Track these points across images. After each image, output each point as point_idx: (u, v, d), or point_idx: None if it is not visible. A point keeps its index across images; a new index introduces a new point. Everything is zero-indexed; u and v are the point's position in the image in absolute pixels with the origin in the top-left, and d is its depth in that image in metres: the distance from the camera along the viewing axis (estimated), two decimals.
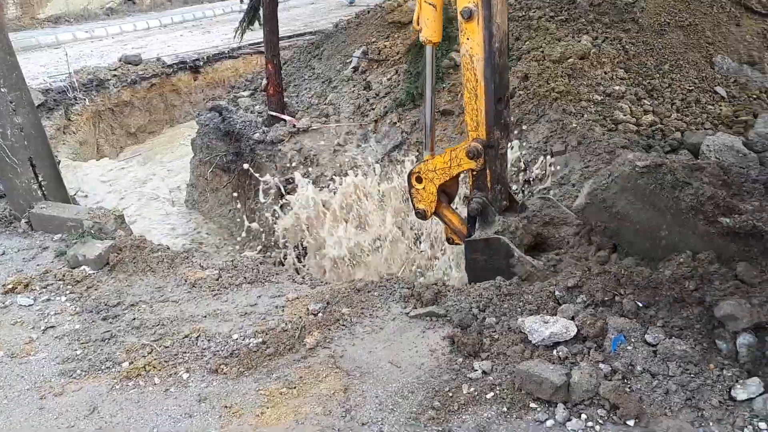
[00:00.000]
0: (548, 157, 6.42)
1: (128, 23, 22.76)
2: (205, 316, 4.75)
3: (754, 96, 7.01)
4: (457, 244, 5.65)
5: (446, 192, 5.43)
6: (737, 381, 3.22)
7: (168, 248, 5.78)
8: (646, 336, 3.58)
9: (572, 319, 3.82)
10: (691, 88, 7.04)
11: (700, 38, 7.40)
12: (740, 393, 3.16)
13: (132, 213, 11.03)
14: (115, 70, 15.80)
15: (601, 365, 3.51)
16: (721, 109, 6.80)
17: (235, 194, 9.65)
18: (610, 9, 7.70)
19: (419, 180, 5.35)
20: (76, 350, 4.43)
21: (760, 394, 3.12)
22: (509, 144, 5.55)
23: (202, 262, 5.45)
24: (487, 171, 4.93)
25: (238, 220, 9.91)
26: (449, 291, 4.54)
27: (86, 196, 11.56)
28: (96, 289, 5.23)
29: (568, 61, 7.23)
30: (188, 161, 11.83)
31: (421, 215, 5.51)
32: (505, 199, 5.19)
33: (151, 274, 5.36)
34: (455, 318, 4.19)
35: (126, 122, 15.89)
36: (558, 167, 6.28)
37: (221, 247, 9.36)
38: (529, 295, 4.14)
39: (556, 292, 4.04)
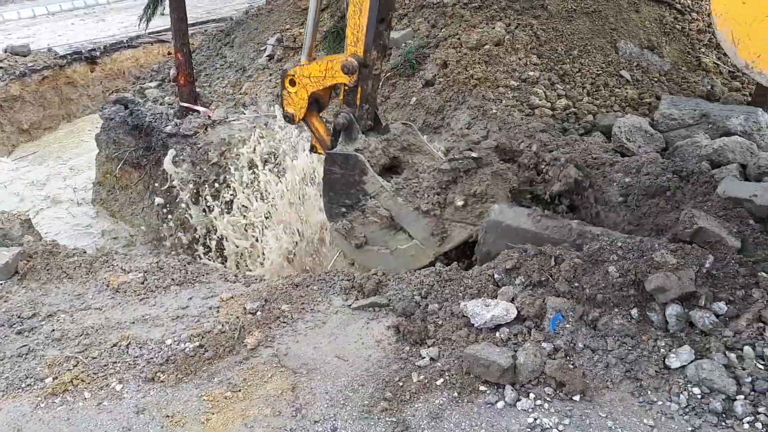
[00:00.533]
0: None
1: (11, 11, 20.98)
2: (134, 323, 4.47)
3: (655, 79, 7.44)
4: (319, 153, 5.82)
5: (318, 101, 5.55)
6: (670, 350, 3.42)
7: (84, 252, 5.39)
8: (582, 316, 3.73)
9: (512, 301, 3.92)
10: (599, 73, 7.38)
11: (604, 24, 7.76)
12: (674, 362, 3.35)
13: (33, 217, 10.24)
14: (0, 61, 14.54)
15: (544, 344, 3.61)
16: (627, 92, 7.17)
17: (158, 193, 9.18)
18: None
19: (293, 83, 5.41)
20: None
21: (692, 361, 3.32)
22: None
23: (123, 265, 5.12)
24: (359, 88, 5.14)
25: (153, 218, 9.45)
26: (390, 280, 4.51)
27: None
28: (5, 301, 4.79)
29: (485, 47, 7.37)
30: (91, 158, 11.11)
31: (289, 119, 5.62)
32: (371, 119, 5.43)
33: (68, 281, 4.98)
34: (398, 307, 4.18)
35: (17, 118, 14.66)
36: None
37: (138, 248, 8.88)
38: (468, 279, 4.20)
39: (495, 275, 4.12)
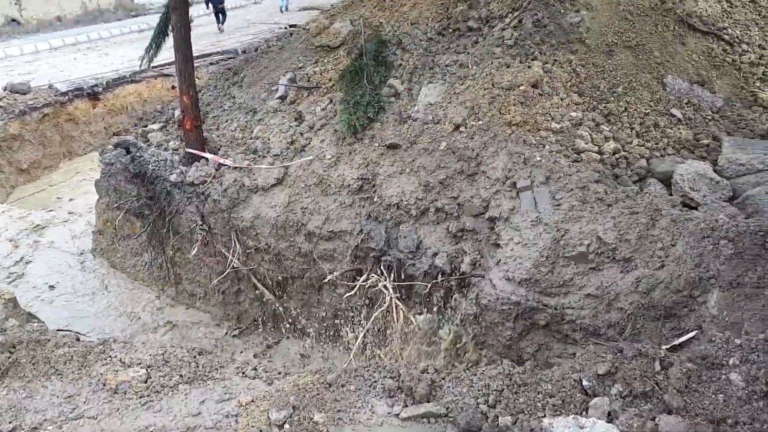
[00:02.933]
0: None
1: (13, 46, 20.38)
2: None
3: (709, 117, 6.69)
4: None
5: None
6: None
7: (78, 339, 4.56)
8: None
9: (610, 419, 3.08)
10: (647, 111, 6.63)
11: (649, 58, 7.02)
12: None
13: (27, 267, 9.43)
14: None
15: None
16: (681, 133, 6.41)
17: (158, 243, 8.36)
18: (556, 29, 7.20)
19: None
20: None
21: None
22: None
23: (122, 356, 4.28)
24: None
25: (157, 272, 8.63)
26: (444, 380, 3.68)
27: None
28: None
29: (520, 88, 6.64)
30: (91, 201, 10.33)
31: None
32: None
33: (57, 379, 4.14)
34: (461, 419, 3.33)
35: (15, 158, 13.89)
36: (524, 206, 5.61)
37: (140, 311, 8.05)
38: (548, 384, 3.36)
39: (584, 381, 3.29)
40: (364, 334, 5.91)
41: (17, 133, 13.90)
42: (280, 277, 7.34)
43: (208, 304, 8.34)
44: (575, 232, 5.26)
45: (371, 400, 3.67)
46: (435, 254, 6.25)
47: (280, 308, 7.42)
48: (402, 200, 6.47)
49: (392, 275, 6.28)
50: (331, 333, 7.06)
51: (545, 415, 3.20)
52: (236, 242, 7.37)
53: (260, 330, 7.75)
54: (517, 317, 5.57)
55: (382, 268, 6.42)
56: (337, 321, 6.96)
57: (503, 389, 3.42)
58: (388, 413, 3.56)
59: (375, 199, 6.67)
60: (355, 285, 6.37)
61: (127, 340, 4.46)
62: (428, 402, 3.53)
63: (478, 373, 3.60)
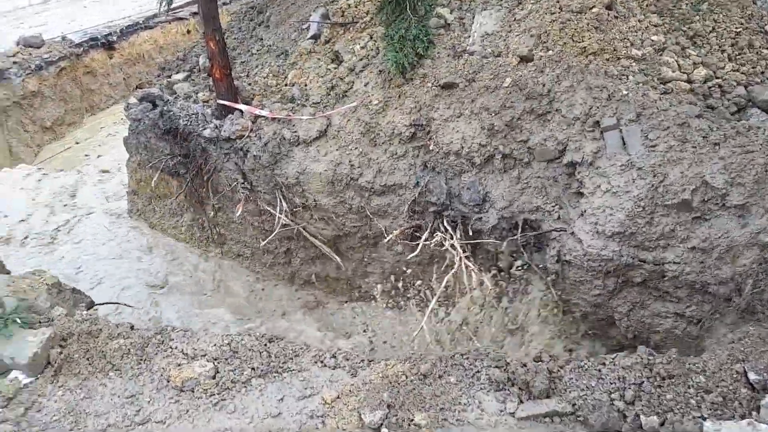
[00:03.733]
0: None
1: None
2: None
3: None
4: None
5: None
6: None
7: (132, 328, 4.08)
8: None
9: None
10: (738, 30, 5.74)
11: None
12: None
13: (65, 234, 9.02)
14: (14, 56, 13.11)
15: None
16: None
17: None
18: None
19: None
20: None
21: None
22: None
23: (184, 347, 3.80)
24: None
25: (199, 233, 8.15)
26: (564, 370, 3.13)
27: (6, 216, 9.43)
28: (38, 411, 3.53)
29: (592, 10, 5.77)
30: (121, 157, 9.77)
31: None
32: None
33: (115, 376, 3.69)
34: (594, 420, 2.80)
35: (38, 116, 13.32)
36: (611, 148, 4.89)
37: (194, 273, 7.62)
38: (701, 377, 2.79)
39: (750, 374, 2.70)
40: (436, 299, 5.37)
41: (36, 89, 13.27)
42: (331, 236, 6.78)
43: (256, 265, 7.88)
44: (676, 176, 4.55)
45: (477, 395, 3.15)
46: (504, 207, 5.61)
47: (339, 267, 6.89)
48: (462, 147, 5.76)
49: (458, 232, 5.67)
50: (393, 296, 6.55)
51: (703, 417, 2.65)
52: (282, 200, 6.78)
53: (315, 293, 7.29)
54: (608, 274, 4.97)
55: (444, 224, 5.81)
56: (397, 283, 6.43)
57: (643, 382, 2.85)
58: (500, 411, 3.04)
59: (431, 148, 5.96)
60: (417, 244, 5.79)
61: (186, 328, 3.97)
62: (548, 398, 2.99)
63: (607, 363, 3.03)
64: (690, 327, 4.93)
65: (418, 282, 6.27)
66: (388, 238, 5.95)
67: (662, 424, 2.70)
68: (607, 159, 4.92)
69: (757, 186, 4.30)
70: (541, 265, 5.52)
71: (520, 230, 5.56)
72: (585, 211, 4.99)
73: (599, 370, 2.98)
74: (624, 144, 4.88)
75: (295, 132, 6.58)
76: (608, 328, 5.51)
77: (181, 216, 8.25)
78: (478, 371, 3.26)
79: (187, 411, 3.37)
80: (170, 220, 8.50)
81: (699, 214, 4.51)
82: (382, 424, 3.03)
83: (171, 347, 3.79)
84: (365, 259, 6.77)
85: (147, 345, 3.81)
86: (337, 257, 6.90)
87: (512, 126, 5.56)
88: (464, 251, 5.57)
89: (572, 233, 5.16)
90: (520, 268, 5.51)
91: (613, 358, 3.01)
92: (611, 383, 2.90)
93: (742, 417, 2.56)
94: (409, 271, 6.38)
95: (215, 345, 3.71)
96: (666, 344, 5.17)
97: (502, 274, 5.68)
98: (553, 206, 5.38)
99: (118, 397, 3.52)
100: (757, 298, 4.30)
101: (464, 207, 5.77)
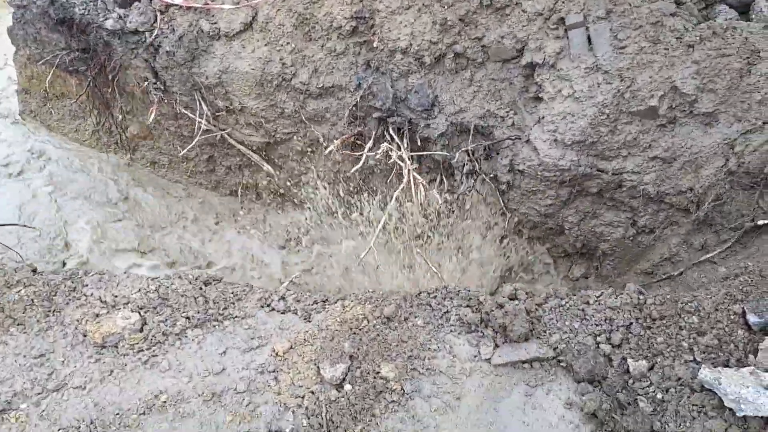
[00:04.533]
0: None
1: None
2: (143, 413, 2.72)
3: None
4: None
5: None
6: None
7: (35, 272, 3.40)
8: None
9: None
10: None
11: None
12: None
13: None
14: None
15: None
16: None
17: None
18: None
19: None
20: None
21: None
22: None
23: (102, 293, 3.20)
24: None
25: (106, 138, 7.17)
26: (542, 309, 2.82)
27: None
28: None
29: None
30: (8, 51, 8.33)
31: None
32: None
33: (18, 332, 3.07)
34: (579, 366, 2.54)
35: None
36: (575, 49, 4.40)
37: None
38: (694, 317, 2.54)
39: (750, 316, 2.47)
40: (385, 217, 4.93)
41: None
42: (261, 143, 6.08)
43: (174, 173, 7.10)
44: (644, 81, 4.16)
45: (448, 339, 2.81)
46: (455, 112, 5.09)
47: (270, 176, 6.27)
48: (411, 44, 5.07)
49: (405, 141, 5.15)
50: (331, 208, 6.05)
51: (695, 360, 2.42)
52: (201, 103, 5.93)
53: (242, 202, 6.68)
54: (563, 184, 4.68)
55: (390, 131, 5.26)
56: (337, 192, 5.91)
57: (631, 323, 2.59)
58: (474, 356, 2.73)
59: (375, 44, 5.24)
60: (360, 155, 5.24)
61: (102, 271, 3.34)
62: (526, 341, 2.69)
63: (591, 302, 2.73)
64: (642, 236, 4.80)
65: (362, 194, 5.80)
66: (328, 150, 5.34)
67: (651, 369, 2.47)
68: (570, 60, 4.44)
69: (729, 93, 3.99)
70: (491, 174, 5.15)
71: (470, 138, 5.11)
72: (543, 117, 4.57)
73: (583, 310, 2.70)
74: (590, 44, 4.39)
75: (215, 24, 5.61)
76: (556, 236, 5.34)
77: (84, 119, 7.19)
78: (447, 311, 2.91)
79: (111, 372, 2.86)
80: (71, 123, 7.40)
81: (664, 122, 4.20)
82: (344, 379, 2.66)
83: (85, 294, 3.19)
84: (300, 168, 6.16)
85: (55, 293, 3.19)
86: (267, 165, 6.26)
87: (467, 21, 4.90)
88: (412, 163, 5.10)
89: (527, 141, 4.77)
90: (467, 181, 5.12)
91: (598, 296, 2.72)
92: (596, 325, 2.63)
93: (738, 361, 2.36)
94: (349, 181, 5.87)
95: (140, 291, 3.14)
96: (614, 253, 5.08)
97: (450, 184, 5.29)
98: (507, 112, 4.92)
99: (24, 357, 2.94)
100: (718, 210, 4.16)
101: (411, 112, 5.20)
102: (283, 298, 3.14)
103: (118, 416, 2.69)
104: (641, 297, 2.65)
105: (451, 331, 2.83)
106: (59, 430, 2.66)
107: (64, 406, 2.75)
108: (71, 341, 3.01)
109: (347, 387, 2.63)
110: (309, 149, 5.92)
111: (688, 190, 4.24)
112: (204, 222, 6.43)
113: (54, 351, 2.98)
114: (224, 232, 6.29)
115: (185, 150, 6.14)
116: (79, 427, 2.65)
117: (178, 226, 6.40)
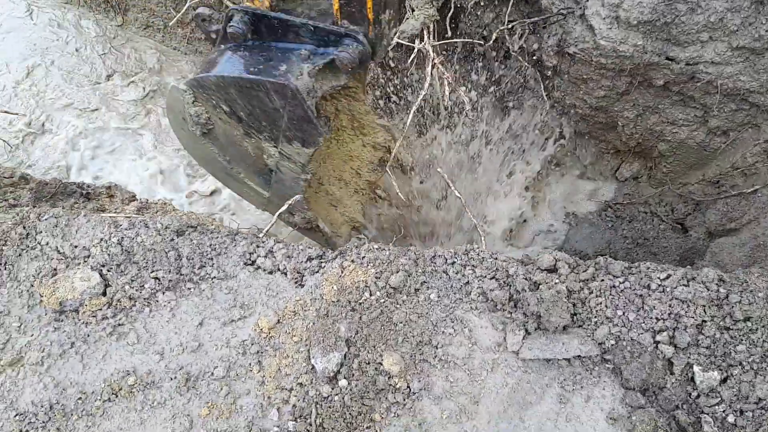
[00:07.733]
0: None
1: None
2: (108, 399, 2.35)
3: None
4: None
5: None
6: None
7: None
8: None
9: None
10: None
11: None
12: None
13: None
14: None
15: None
16: None
17: None
18: None
19: None
20: None
21: None
22: None
23: (58, 241, 2.69)
24: None
25: None
26: (591, 287, 2.22)
27: None
28: None
29: None
30: None
31: None
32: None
33: None
34: (630, 371, 2.01)
35: None
36: None
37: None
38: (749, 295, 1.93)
39: None
40: (411, 118, 4.13)
41: None
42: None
43: (171, 38, 6.32)
44: None
45: (467, 319, 2.27)
46: None
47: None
48: None
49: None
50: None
51: None
52: None
53: None
54: (621, 73, 3.79)
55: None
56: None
57: (704, 321, 1.99)
58: (499, 345, 2.21)
59: None
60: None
61: (59, 214, 2.78)
62: (565, 331, 2.15)
63: (654, 287, 2.10)
64: (711, 138, 3.99)
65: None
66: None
67: (724, 382, 1.93)
68: None
69: None
70: (534, 55, 4.24)
71: (509, 6, 4.12)
72: None
73: (641, 297, 2.09)
74: None
75: None
76: (606, 131, 4.54)
77: None
78: (467, 282, 2.34)
79: (73, 345, 2.46)
80: None
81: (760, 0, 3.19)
82: (339, 373, 2.20)
83: (40, 244, 2.70)
84: None
85: (5, 242, 2.71)
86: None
87: None
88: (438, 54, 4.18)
89: (581, 17, 3.79)
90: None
91: (663, 280, 2.09)
92: (658, 319, 2.04)
93: None
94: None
95: (101, 242, 2.63)
96: (674, 154, 4.31)
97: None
98: None
99: None
100: None
101: None
102: (271, 252, 2.60)
103: (80, 401, 2.33)
104: (722, 288, 2.02)
105: (471, 308, 2.29)
106: (17, 415, 2.33)
107: (21, 385, 2.40)
108: (27, 302, 2.58)
109: (342, 383, 2.18)
110: None
111: None
112: None
113: (9, 313, 2.57)
114: None
115: (180, 14, 5.30)
116: (37, 413, 2.31)
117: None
